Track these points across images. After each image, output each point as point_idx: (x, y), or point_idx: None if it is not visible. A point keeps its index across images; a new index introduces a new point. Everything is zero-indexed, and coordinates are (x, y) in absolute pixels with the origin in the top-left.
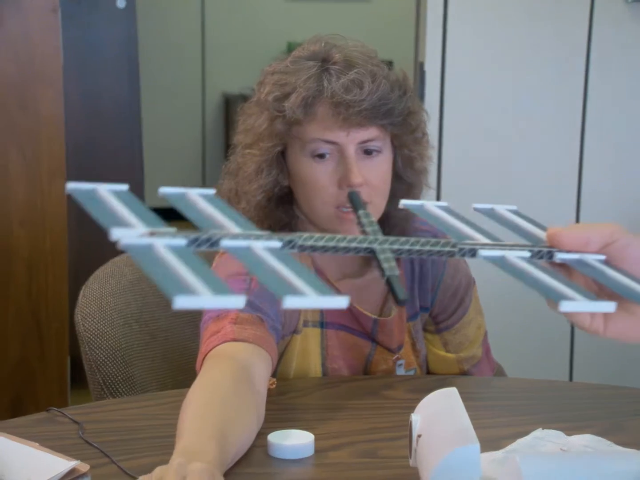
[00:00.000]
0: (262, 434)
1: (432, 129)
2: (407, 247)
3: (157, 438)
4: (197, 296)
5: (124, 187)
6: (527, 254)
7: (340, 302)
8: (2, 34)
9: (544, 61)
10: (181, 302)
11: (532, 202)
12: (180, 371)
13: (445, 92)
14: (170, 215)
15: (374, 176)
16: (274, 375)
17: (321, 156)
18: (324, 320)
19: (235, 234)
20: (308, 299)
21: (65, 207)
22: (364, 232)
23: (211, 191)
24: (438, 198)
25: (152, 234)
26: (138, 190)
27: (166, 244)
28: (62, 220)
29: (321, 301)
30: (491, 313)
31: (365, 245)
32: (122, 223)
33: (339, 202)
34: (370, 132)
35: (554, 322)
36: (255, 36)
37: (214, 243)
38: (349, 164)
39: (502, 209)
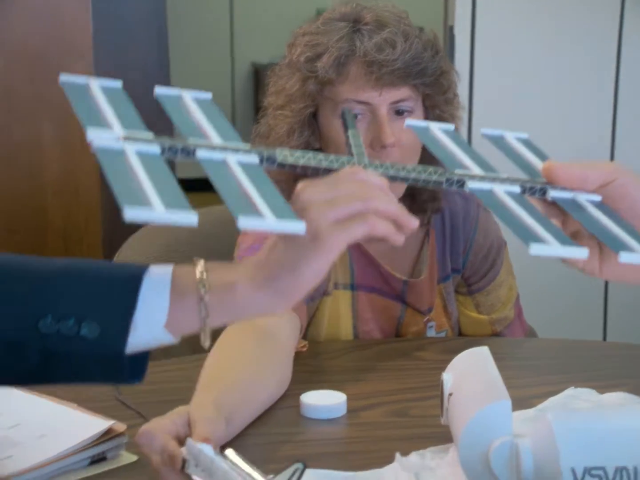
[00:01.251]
0: (294, 395)
1: (462, 93)
2: (392, 172)
3: (190, 401)
4: (149, 209)
5: (117, 83)
6: (517, 189)
7: (297, 226)
8: (31, 6)
9: (576, 22)
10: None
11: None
12: (215, 337)
13: (475, 56)
14: (203, 186)
15: (406, 137)
16: (304, 338)
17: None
18: (355, 282)
19: (214, 145)
20: (264, 221)
21: (99, 176)
22: (350, 153)
23: (208, 95)
24: None
25: (126, 139)
26: (169, 162)
27: (138, 150)
28: (95, 190)
29: (277, 225)
30: (522, 275)
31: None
32: (100, 123)
33: None
34: (402, 92)
35: (587, 282)
36: (284, 4)
37: (189, 152)
38: (381, 124)
39: (511, 137)
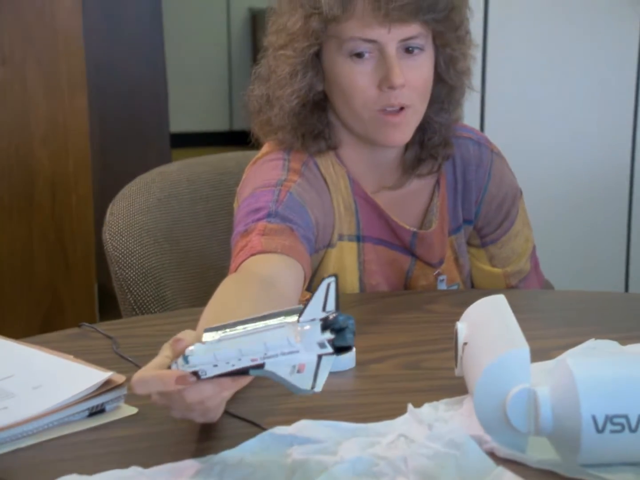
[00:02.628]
0: None
1: (476, 28)
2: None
3: None
4: None
5: None
6: None
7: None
8: None
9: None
10: None
11: (578, 109)
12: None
13: (490, 7)
14: (194, 140)
15: (416, 76)
16: (308, 291)
17: (360, 55)
18: (361, 233)
19: None
20: None
21: (88, 123)
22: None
23: None
24: (482, 104)
25: None
26: (162, 112)
27: None
28: (84, 138)
29: None
30: (539, 226)
31: None
32: None
33: (380, 104)
34: (412, 29)
35: (608, 234)
36: None
37: None
38: (390, 63)
39: None
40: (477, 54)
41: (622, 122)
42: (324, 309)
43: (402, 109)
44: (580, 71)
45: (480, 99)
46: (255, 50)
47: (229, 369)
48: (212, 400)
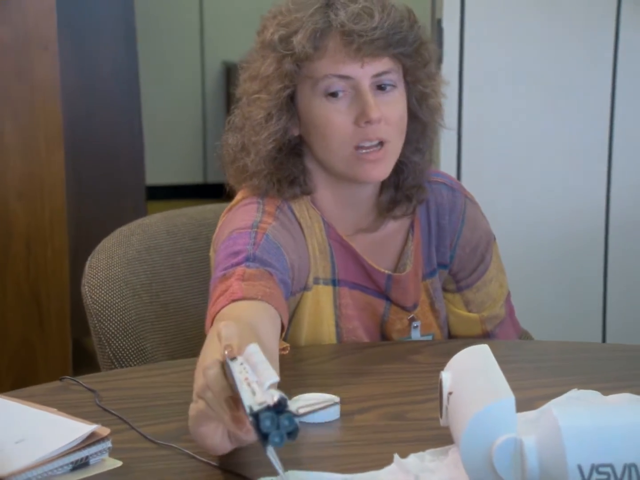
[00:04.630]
0: None
1: (451, 86)
2: None
3: (175, 404)
4: None
5: None
6: None
7: None
8: None
9: (570, 13)
10: None
11: (554, 160)
12: (195, 343)
13: (465, 51)
14: (169, 193)
15: (391, 112)
16: (285, 339)
17: (334, 95)
18: (336, 277)
19: None
20: None
21: (64, 177)
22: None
23: None
24: (459, 151)
25: None
26: (138, 165)
27: None
28: (60, 193)
29: None
30: (517, 276)
31: None
32: None
33: (357, 139)
34: (384, 64)
35: (584, 283)
36: (255, 2)
37: None
38: (365, 98)
39: None
40: (453, 104)
41: (597, 170)
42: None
43: (381, 144)
44: (558, 121)
45: (457, 148)
46: (229, 103)
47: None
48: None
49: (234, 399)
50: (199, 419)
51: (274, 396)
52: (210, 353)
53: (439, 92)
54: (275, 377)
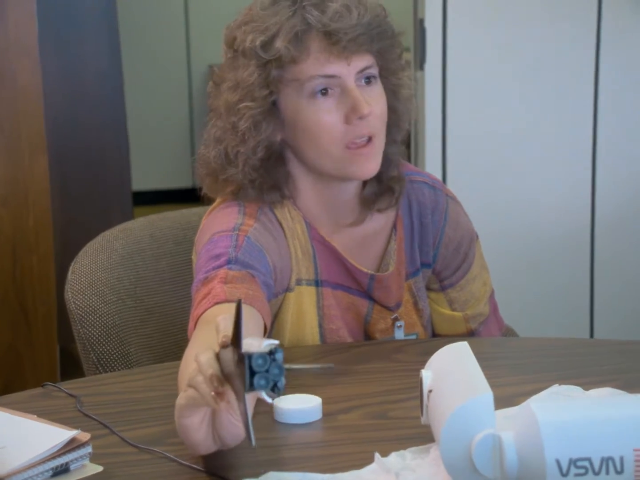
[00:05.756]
0: None
1: (434, 89)
2: None
3: (157, 408)
4: None
5: None
6: None
7: None
8: None
9: (551, 10)
10: None
11: (539, 159)
12: (179, 347)
13: (448, 50)
14: (156, 198)
15: (378, 105)
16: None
17: (323, 93)
18: (319, 278)
19: None
20: None
21: (48, 183)
22: None
23: None
24: (444, 152)
25: None
26: (124, 170)
27: None
28: (45, 198)
29: None
30: (504, 275)
31: None
32: None
33: (348, 137)
34: (368, 59)
35: (572, 280)
36: (241, 4)
37: None
38: (354, 95)
39: None
40: (437, 105)
41: (582, 168)
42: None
43: (370, 139)
44: (542, 120)
45: (442, 149)
46: None
47: None
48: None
49: (223, 392)
50: (185, 409)
51: (271, 347)
52: (199, 347)
53: (410, 83)
54: (275, 341)
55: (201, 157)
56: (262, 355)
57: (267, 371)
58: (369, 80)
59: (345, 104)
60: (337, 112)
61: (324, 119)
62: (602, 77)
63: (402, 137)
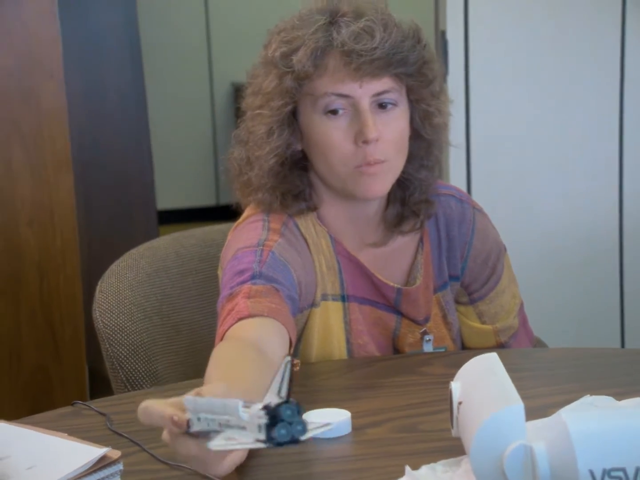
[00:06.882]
0: None
1: (457, 99)
2: None
3: None
4: None
5: None
6: None
7: None
8: None
9: (575, 21)
10: None
11: (564, 166)
12: (207, 363)
13: (470, 62)
14: (181, 216)
15: (390, 131)
16: (295, 355)
17: (334, 112)
18: (345, 293)
19: None
20: None
21: (74, 203)
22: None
23: None
24: (468, 163)
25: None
26: (148, 189)
27: None
28: (71, 218)
29: None
30: (532, 286)
31: None
32: None
33: (357, 160)
34: (384, 83)
35: (601, 288)
36: (262, 23)
37: None
38: (363, 117)
39: None
40: (461, 115)
41: (608, 174)
42: (279, 393)
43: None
44: (567, 127)
45: (466, 159)
46: (239, 123)
47: (204, 427)
48: (200, 457)
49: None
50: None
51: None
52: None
53: (443, 110)
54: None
55: (229, 157)
56: (290, 408)
57: (290, 424)
58: (385, 105)
59: (355, 125)
60: (347, 132)
61: (334, 137)
62: (627, 85)
63: (435, 163)
